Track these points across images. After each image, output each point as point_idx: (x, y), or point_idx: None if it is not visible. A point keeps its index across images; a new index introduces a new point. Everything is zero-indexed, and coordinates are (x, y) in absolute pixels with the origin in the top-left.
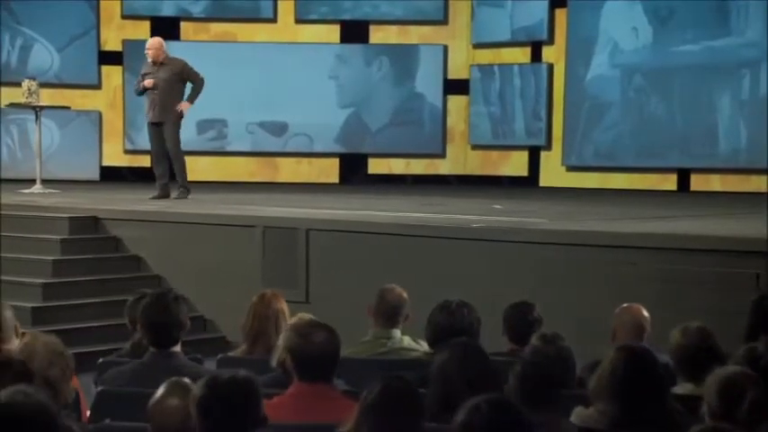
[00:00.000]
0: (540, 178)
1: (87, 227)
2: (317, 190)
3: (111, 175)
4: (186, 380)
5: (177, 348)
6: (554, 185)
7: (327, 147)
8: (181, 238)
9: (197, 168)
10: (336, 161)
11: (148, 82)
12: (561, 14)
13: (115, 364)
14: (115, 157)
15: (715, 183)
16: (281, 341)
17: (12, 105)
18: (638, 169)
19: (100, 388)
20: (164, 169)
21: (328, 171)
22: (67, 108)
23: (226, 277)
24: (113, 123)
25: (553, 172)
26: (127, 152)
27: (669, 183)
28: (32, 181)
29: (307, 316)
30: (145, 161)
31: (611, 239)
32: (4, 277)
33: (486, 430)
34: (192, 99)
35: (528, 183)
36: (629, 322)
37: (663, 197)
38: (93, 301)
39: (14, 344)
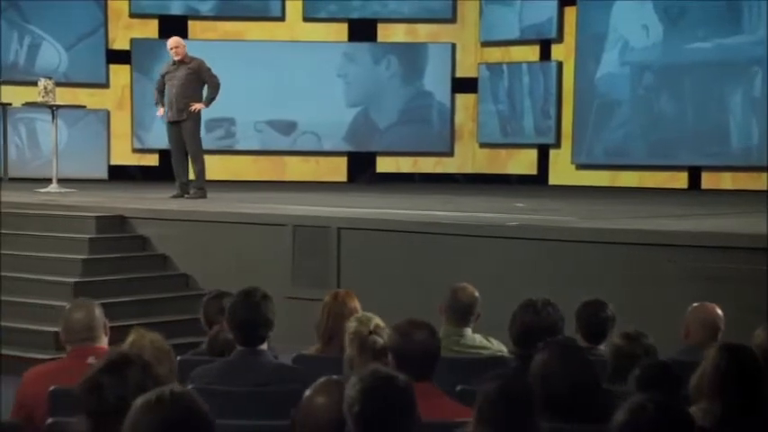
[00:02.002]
0: (550, 176)
1: (114, 226)
2: (324, 189)
3: (120, 174)
4: (335, 377)
5: (264, 347)
6: (563, 184)
7: (335, 145)
8: (208, 237)
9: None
10: (344, 159)
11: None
12: (570, 12)
13: (196, 363)
14: (123, 155)
15: (726, 181)
16: (347, 345)
17: (28, 104)
18: (648, 167)
19: (190, 386)
20: (183, 168)
21: (336, 169)
22: (83, 107)
23: (255, 276)
24: (121, 122)
25: (562, 170)
26: (135, 151)
27: (680, 181)
28: (42, 180)
29: (368, 315)
30: (153, 160)
31: (650, 238)
32: (35, 276)
33: (652, 430)
34: (207, 101)
35: (537, 181)
36: (702, 320)
37: (675, 195)
38: (124, 300)
39: (104, 342)
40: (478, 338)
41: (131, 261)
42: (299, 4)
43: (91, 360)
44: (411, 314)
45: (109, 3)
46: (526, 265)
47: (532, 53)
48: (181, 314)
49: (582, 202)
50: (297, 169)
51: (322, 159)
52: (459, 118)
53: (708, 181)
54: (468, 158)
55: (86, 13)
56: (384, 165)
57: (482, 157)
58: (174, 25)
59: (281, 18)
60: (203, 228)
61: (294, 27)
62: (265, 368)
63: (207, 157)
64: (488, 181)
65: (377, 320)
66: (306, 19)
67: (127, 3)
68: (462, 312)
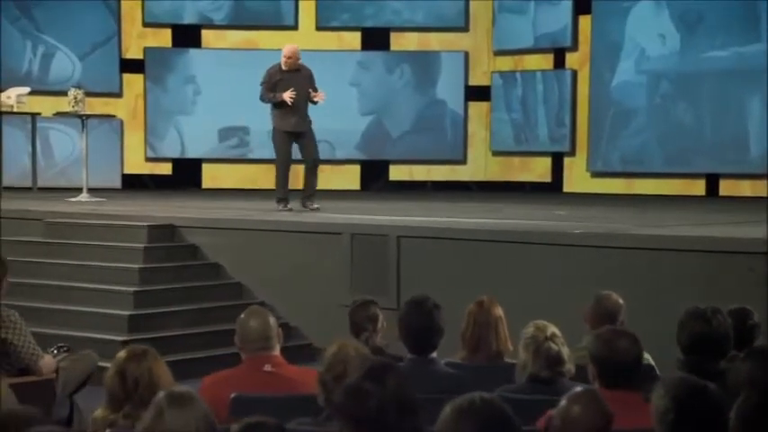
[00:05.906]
0: (564, 184)
1: (165, 235)
2: (339, 197)
3: (133, 183)
4: (580, 388)
5: (434, 355)
6: (578, 191)
7: (349, 154)
8: (260, 246)
9: (219, 176)
10: (357, 168)
11: (287, 95)
12: (585, 21)
13: None
14: (136, 164)
15: (745, 188)
16: (522, 350)
17: (59, 114)
18: (665, 175)
19: None
20: (287, 179)
21: (349, 178)
22: (113, 116)
23: (311, 284)
24: (135, 131)
25: (577, 178)
26: (148, 160)
27: (697, 188)
28: (59, 189)
29: (544, 322)
30: (166, 169)
31: (728, 245)
32: (94, 285)
33: None
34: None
35: (550, 189)
36: None
37: (694, 202)
38: (182, 308)
39: (278, 350)
40: None
41: (186, 270)
42: (313, 13)
43: (267, 368)
44: None
45: (122, 12)
46: (592, 272)
47: (546, 62)
48: (235, 323)
49: (614, 209)
50: None
51: (335, 168)
52: (472, 126)
53: (725, 188)
54: (480, 166)
55: (100, 22)
56: (397, 173)
57: (494, 165)
58: (187, 34)
59: (295, 27)
60: (255, 236)
61: (307, 36)
62: (438, 376)
63: (219, 166)
64: (501, 189)
65: (553, 329)
66: (319, 28)
67: (140, 12)
68: (607, 319)
